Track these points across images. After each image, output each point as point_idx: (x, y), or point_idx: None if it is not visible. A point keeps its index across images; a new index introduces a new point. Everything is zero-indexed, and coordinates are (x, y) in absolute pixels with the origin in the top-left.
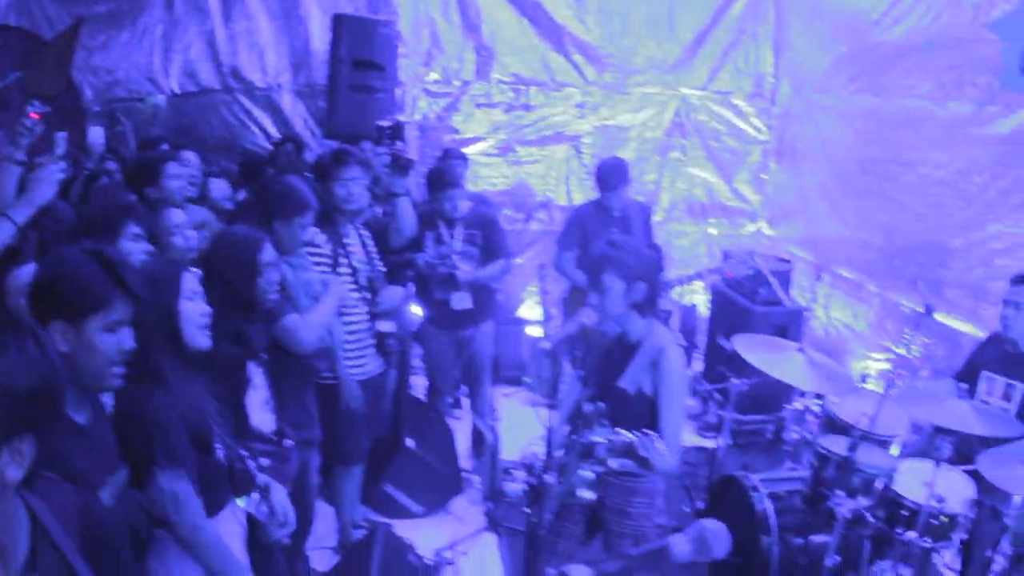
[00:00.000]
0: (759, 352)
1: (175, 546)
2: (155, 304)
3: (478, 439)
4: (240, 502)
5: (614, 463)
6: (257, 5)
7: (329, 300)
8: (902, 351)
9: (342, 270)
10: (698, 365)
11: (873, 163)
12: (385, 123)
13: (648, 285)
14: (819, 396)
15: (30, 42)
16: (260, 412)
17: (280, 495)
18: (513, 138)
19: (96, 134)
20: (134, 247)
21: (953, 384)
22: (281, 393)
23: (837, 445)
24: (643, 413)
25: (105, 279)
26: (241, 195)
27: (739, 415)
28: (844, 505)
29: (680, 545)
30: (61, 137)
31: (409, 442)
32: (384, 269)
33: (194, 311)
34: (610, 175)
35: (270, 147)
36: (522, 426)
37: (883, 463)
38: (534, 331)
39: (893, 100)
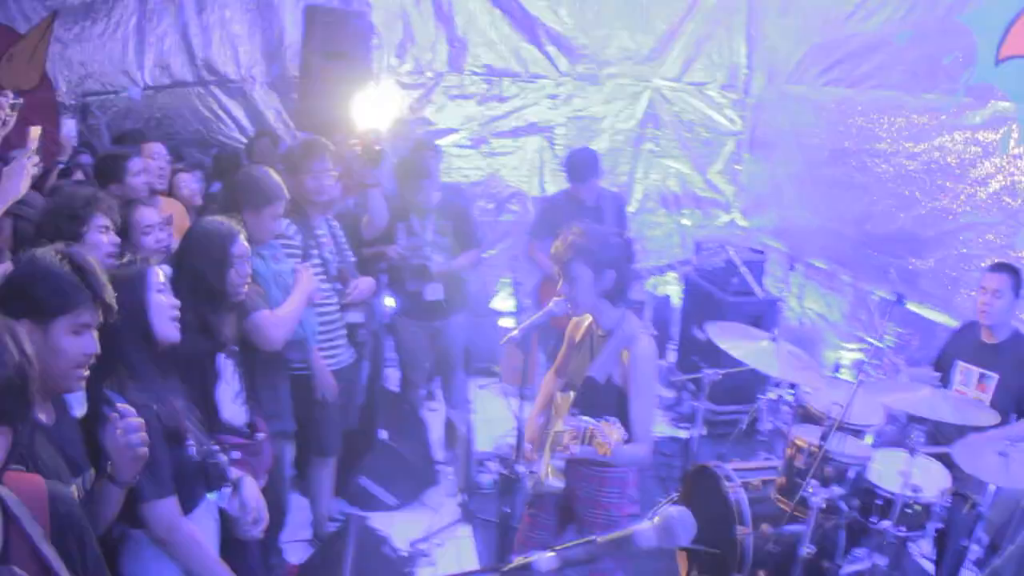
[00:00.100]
0: (731, 339)
1: (151, 546)
2: (123, 303)
3: (451, 431)
4: (212, 496)
5: (576, 449)
6: None
7: (298, 295)
8: (875, 341)
9: (313, 262)
10: (673, 356)
11: (846, 154)
12: None
13: (617, 273)
14: (792, 386)
15: (4, 35)
16: (232, 404)
17: (252, 489)
18: (486, 129)
19: (69, 127)
20: (102, 239)
21: (930, 371)
22: (254, 385)
23: (810, 435)
24: (613, 402)
25: (76, 282)
26: (215, 188)
27: (714, 406)
28: (817, 495)
29: (644, 531)
30: (34, 131)
31: (383, 434)
32: (354, 259)
33: (163, 304)
34: (580, 166)
35: (244, 140)
36: (496, 418)
37: (856, 452)
38: (507, 322)
39: (866, 91)
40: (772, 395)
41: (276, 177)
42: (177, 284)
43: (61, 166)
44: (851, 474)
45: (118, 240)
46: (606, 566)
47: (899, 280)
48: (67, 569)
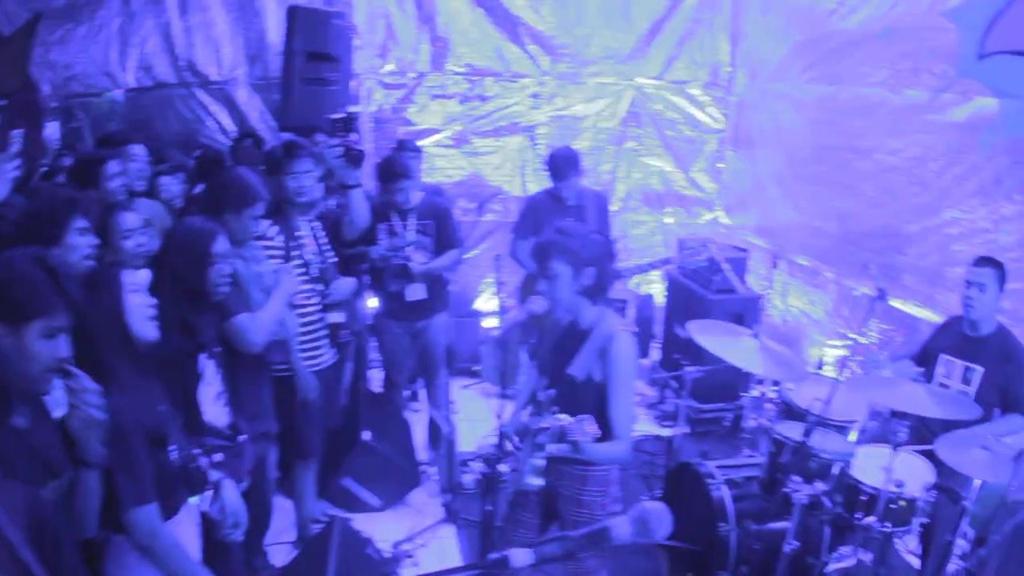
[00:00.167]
0: (713, 337)
1: (133, 551)
2: (98, 305)
3: (435, 431)
4: (193, 500)
5: (552, 448)
6: None
7: (278, 297)
8: (858, 337)
9: (294, 263)
10: (656, 354)
11: (829, 151)
12: (337, 116)
13: (597, 271)
14: (776, 383)
15: None
16: (213, 406)
17: (232, 492)
18: (468, 129)
19: (52, 130)
20: (81, 241)
21: (911, 365)
22: (236, 386)
23: (793, 431)
24: (593, 400)
25: (51, 286)
26: (198, 190)
27: (697, 403)
28: (801, 491)
29: (620, 526)
30: (17, 135)
31: (366, 435)
32: (335, 260)
33: (140, 304)
34: (561, 164)
35: (227, 141)
36: (480, 418)
37: (839, 448)
38: (490, 323)
39: (849, 88)
40: (755, 392)
41: (256, 178)
42: (158, 284)
43: (44, 169)
44: (835, 470)
45: (97, 242)
46: (590, 566)
47: (881, 276)
48: (44, 573)
